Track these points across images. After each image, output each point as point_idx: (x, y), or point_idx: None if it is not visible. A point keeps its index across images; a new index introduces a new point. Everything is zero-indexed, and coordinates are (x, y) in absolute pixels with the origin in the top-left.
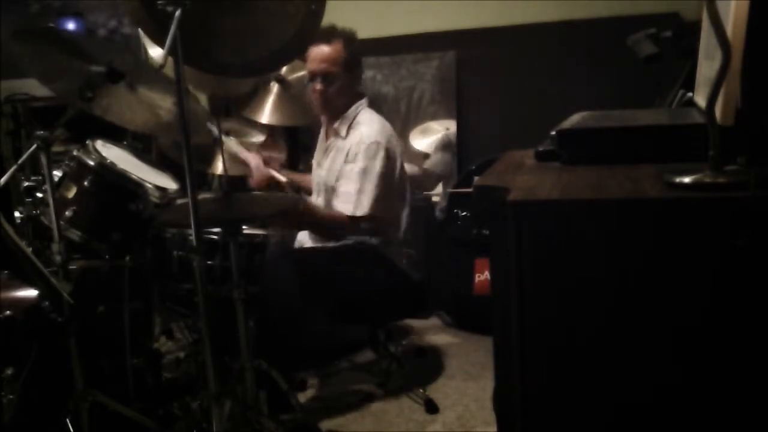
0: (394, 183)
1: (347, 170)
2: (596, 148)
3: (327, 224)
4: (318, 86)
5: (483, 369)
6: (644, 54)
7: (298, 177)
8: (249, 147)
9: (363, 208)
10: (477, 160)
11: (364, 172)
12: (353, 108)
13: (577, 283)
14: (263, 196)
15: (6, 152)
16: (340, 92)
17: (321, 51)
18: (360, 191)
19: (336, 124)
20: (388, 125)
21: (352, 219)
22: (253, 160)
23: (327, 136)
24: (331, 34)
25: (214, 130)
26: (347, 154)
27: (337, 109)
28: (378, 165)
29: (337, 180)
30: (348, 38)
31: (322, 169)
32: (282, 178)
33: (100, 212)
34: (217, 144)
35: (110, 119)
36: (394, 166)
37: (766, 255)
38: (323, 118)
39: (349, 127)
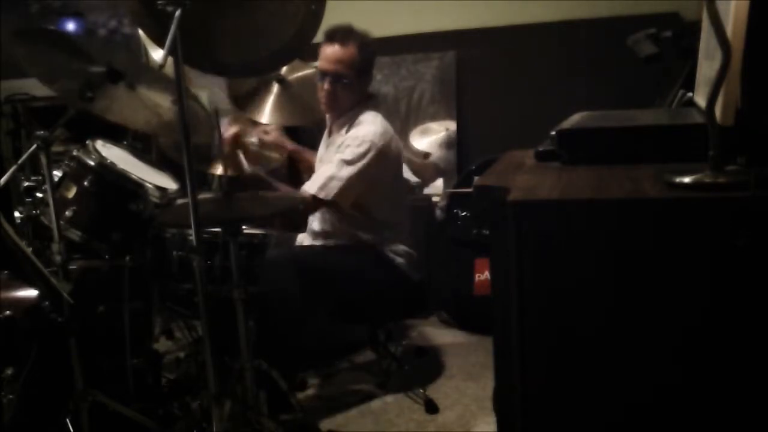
0: (389, 183)
1: (331, 156)
2: (596, 148)
3: (283, 192)
4: (326, 86)
5: (483, 369)
6: (644, 54)
7: (305, 153)
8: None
9: (328, 193)
10: (477, 160)
11: (346, 163)
12: (358, 108)
13: (576, 283)
14: (263, 196)
15: (6, 152)
16: (348, 94)
17: (335, 51)
18: (332, 177)
19: (339, 122)
20: (390, 129)
21: (315, 199)
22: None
23: (330, 134)
24: (347, 36)
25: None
26: (339, 146)
27: (342, 109)
28: (363, 162)
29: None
30: (363, 42)
31: (323, 164)
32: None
33: (100, 212)
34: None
35: (111, 119)
36: (387, 169)
37: (766, 255)
38: (328, 117)
39: (351, 126)
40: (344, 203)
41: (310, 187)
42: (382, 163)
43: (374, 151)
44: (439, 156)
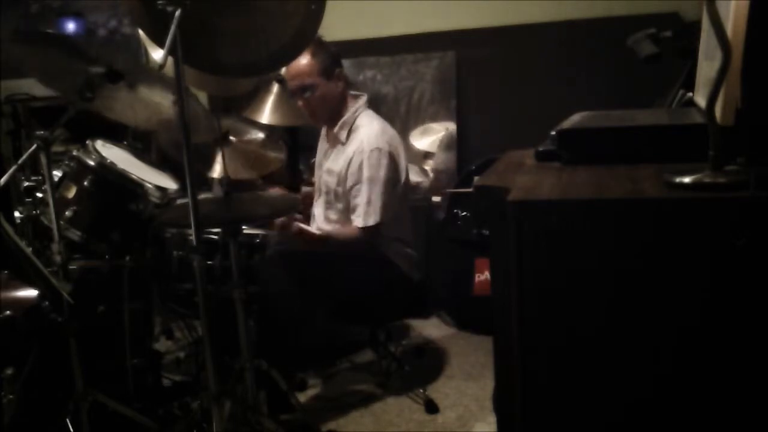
0: (398, 186)
1: (355, 184)
2: (596, 148)
3: (342, 243)
4: (300, 102)
5: (483, 369)
6: (644, 54)
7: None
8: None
9: (374, 218)
10: (477, 160)
11: (370, 181)
12: (351, 112)
13: (576, 283)
14: (263, 197)
15: (6, 152)
16: (324, 100)
17: (292, 66)
18: (369, 202)
19: (336, 129)
20: (388, 127)
21: (364, 230)
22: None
23: (328, 138)
24: None
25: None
26: (350, 162)
27: (328, 116)
28: (382, 172)
29: (338, 185)
30: (315, 46)
31: (323, 171)
32: (314, 233)
33: (100, 212)
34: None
35: (112, 117)
36: (397, 169)
37: (766, 255)
38: (326, 124)
39: (349, 132)
40: (388, 217)
41: (356, 221)
42: (393, 162)
43: (385, 157)
44: (442, 158)
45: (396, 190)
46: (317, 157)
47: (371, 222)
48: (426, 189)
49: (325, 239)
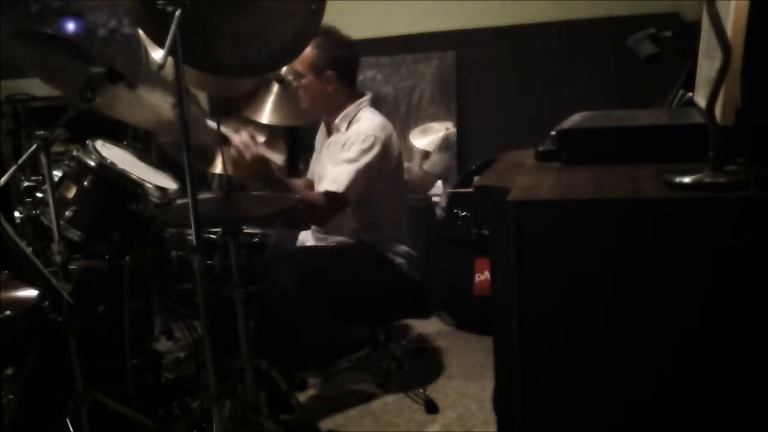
0: (390, 181)
1: (338, 156)
2: (596, 148)
3: (304, 197)
4: (294, 83)
5: (483, 369)
6: (644, 54)
7: (299, 182)
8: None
9: (338, 185)
10: (477, 160)
11: (352, 160)
12: (354, 106)
13: (576, 283)
14: (263, 196)
15: (6, 152)
16: (308, 92)
17: None
18: (341, 171)
19: (337, 121)
20: (389, 124)
21: (326, 194)
22: (238, 137)
23: (328, 134)
24: None
25: (213, 125)
26: (344, 144)
27: (310, 108)
28: (368, 157)
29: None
30: (323, 40)
31: (321, 161)
32: (276, 158)
33: (100, 212)
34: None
35: (112, 116)
36: (390, 163)
37: (766, 255)
38: (323, 118)
39: (350, 123)
40: (353, 196)
41: (320, 186)
42: (386, 155)
43: (378, 146)
44: (437, 159)
45: (378, 182)
46: (314, 157)
47: (334, 188)
48: (416, 180)
49: (282, 183)
